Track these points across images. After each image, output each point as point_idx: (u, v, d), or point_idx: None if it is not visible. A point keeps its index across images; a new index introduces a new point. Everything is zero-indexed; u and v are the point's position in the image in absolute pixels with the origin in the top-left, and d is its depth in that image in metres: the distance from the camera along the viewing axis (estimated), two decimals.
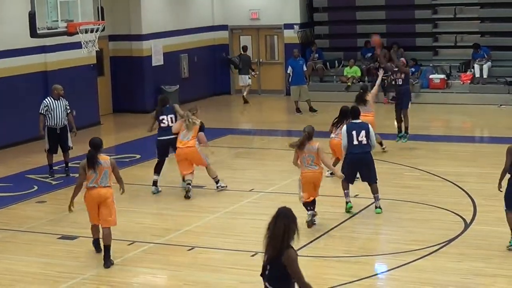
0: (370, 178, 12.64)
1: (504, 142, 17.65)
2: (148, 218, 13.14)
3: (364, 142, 12.45)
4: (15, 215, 13.44)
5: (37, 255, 11.33)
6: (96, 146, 10.68)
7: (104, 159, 10.72)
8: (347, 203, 12.64)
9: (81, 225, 12.33)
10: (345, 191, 12.62)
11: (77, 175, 14.24)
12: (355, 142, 12.44)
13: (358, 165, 12.53)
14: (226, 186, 14.35)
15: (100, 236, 11.01)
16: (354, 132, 12.45)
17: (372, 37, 18.40)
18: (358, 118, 12.78)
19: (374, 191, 12.63)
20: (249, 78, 24.99)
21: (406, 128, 17.21)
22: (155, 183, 14.39)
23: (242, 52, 25.33)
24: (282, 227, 6.50)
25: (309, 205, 12.02)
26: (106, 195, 10.63)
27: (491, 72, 23.31)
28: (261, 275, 6.69)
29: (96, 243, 11.19)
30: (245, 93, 24.80)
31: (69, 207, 10.90)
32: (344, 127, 12.69)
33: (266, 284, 6.65)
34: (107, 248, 10.67)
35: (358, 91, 16.51)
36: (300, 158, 11.97)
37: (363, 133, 12.42)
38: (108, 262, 10.65)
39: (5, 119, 18.77)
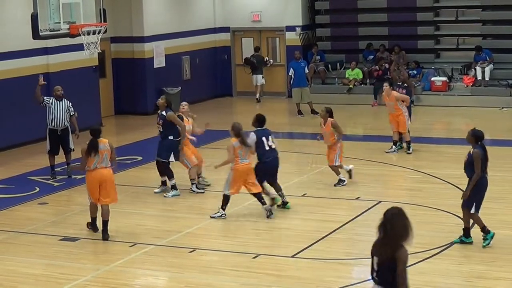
0: (276, 178, 13.09)
1: (505, 145, 17.70)
2: (150, 220, 13.14)
3: (274, 146, 12.99)
4: (17, 216, 13.45)
5: (39, 256, 11.34)
6: (96, 133, 11.91)
7: (104, 142, 11.89)
8: (283, 202, 13.09)
9: (83, 227, 12.36)
10: (264, 190, 13.01)
11: (79, 177, 14.35)
12: (267, 148, 12.88)
13: (273, 169, 12.98)
14: (195, 191, 14.39)
15: (99, 216, 11.95)
16: (264, 138, 12.88)
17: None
18: (263, 125, 13.12)
19: (279, 188, 13.06)
20: (262, 77, 25.30)
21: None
22: (175, 186, 14.41)
23: (255, 53, 25.54)
24: (401, 226, 6.48)
25: (260, 198, 12.74)
26: (107, 175, 11.75)
27: (493, 75, 23.31)
28: (372, 278, 6.66)
29: (94, 221, 12.05)
30: (258, 94, 25.24)
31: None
32: (253, 134, 12.90)
33: (377, 286, 6.61)
34: (106, 222, 11.81)
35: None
36: (236, 153, 12.51)
37: (270, 138, 12.96)
38: (106, 235, 11.77)
39: (7, 120, 18.79)
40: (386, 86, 16.82)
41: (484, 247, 10.89)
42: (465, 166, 10.88)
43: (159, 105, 14.32)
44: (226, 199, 12.75)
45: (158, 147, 14.37)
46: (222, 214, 12.78)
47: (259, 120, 13.16)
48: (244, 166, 12.57)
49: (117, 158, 13.36)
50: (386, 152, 16.97)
